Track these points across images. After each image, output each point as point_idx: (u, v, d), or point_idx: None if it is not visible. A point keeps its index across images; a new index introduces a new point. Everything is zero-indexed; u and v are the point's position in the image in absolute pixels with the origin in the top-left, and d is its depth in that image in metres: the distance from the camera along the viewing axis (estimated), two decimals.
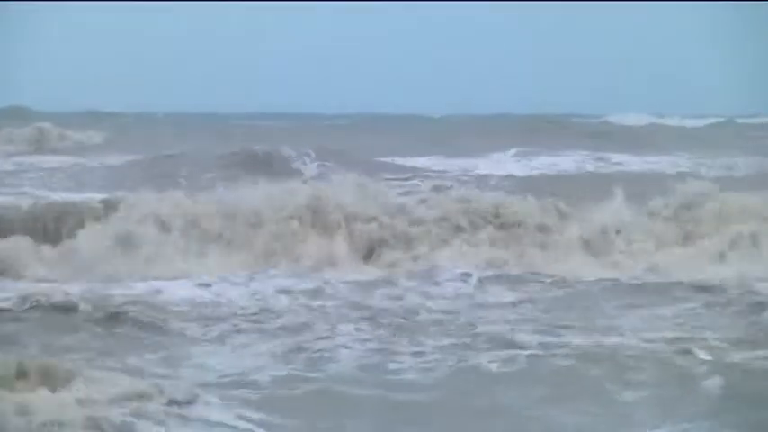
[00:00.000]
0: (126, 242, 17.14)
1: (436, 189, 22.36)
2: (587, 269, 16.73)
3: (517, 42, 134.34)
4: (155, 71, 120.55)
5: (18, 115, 53.21)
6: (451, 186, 26.14)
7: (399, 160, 32.77)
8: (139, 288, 15.02)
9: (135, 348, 11.73)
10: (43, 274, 16.12)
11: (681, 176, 28.39)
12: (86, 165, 32.40)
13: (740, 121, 57.65)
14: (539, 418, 9.48)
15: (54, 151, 38.77)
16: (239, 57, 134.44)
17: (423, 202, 18.96)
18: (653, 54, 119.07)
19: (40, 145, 41.11)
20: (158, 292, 14.83)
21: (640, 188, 24.47)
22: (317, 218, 17.88)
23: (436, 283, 15.65)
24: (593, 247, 17.78)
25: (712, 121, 57.93)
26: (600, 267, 16.89)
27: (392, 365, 11.15)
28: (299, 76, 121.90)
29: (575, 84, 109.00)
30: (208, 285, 15.28)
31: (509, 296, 15.02)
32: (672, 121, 58.46)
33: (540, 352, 11.33)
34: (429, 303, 14.38)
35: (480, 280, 15.80)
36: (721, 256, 17.09)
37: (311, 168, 27.79)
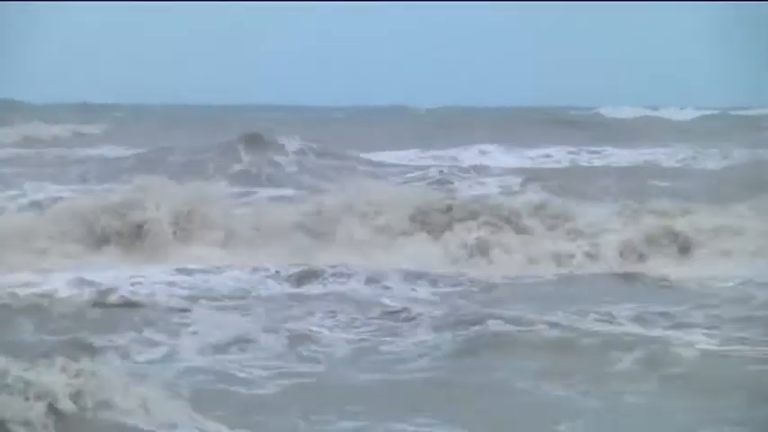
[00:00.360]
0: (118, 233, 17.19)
1: (440, 183, 22.36)
2: (579, 264, 16.72)
3: (513, 38, 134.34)
4: (151, 65, 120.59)
5: (14, 108, 53.18)
6: (441, 172, 26.22)
7: (395, 151, 32.84)
8: (123, 275, 15.06)
9: (116, 331, 11.80)
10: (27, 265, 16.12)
11: (675, 170, 28.59)
12: (85, 157, 32.31)
13: (733, 113, 57.65)
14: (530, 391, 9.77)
15: (51, 143, 38.68)
16: (235, 52, 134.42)
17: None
18: (647, 48, 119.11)
19: (37, 138, 41.00)
20: (138, 277, 14.90)
21: (633, 181, 24.57)
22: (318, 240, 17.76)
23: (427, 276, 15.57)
24: (584, 242, 17.70)
25: (706, 113, 57.94)
26: (590, 263, 16.85)
27: (385, 348, 11.29)
28: (298, 73, 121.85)
29: (570, 77, 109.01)
30: (190, 273, 15.30)
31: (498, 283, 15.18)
32: (666, 114, 58.41)
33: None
34: (419, 293, 14.42)
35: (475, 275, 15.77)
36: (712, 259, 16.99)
37: (294, 144, 27.82)
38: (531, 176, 25.52)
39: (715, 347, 11.07)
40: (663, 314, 12.76)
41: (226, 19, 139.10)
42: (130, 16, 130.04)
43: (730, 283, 14.92)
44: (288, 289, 14.50)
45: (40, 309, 12.80)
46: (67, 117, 49.46)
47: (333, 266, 15.57)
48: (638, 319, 12.44)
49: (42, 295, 13.57)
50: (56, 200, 20.55)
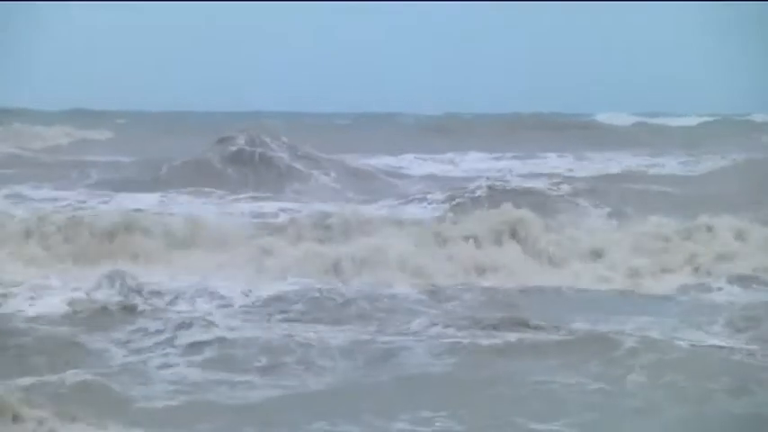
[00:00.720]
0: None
1: (449, 199, 22.38)
2: (581, 274, 16.72)
3: (512, 44, 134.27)
4: (154, 72, 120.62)
5: (16, 114, 53.30)
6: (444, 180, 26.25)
7: (388, 158, 32.96)
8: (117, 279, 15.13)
9: (109, 335, 11.97)
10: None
11: (675, 177, 28.63)
12: (88, 163, 32.35)
13: (734, 119, 57.69)
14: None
15: (54, 150, 38.74)
16: (237, 59, 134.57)
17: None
18: (646, 53, 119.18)
19: (39, 144, 41.04)
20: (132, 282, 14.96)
21: (631, 188, 24.61)
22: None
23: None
24: (584, 251, 17.67)
25: (707, 119, 58.02)
26: (591, 272, 16.86)
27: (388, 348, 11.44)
28: (300, 80, 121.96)
29: (567, 83, 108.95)
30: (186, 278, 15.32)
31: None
32: (665, 121, 58.43)
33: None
34: (422, 299, 14.50)
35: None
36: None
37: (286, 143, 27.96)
38: (531, 183, 25.53)
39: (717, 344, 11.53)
40: (661, 321, 12.87)
41: (228, 26, 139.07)
42: (134, 22, 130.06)
43: (729, 288, 15.08)
44: (288, 292, 14.49)
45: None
46: (70, 123, 49.61)
47: (334, 270, 15.69)
48: (641, 325, 12.56)
49: (36, 297, 13.68)
50: (56, 206, 20.64)
